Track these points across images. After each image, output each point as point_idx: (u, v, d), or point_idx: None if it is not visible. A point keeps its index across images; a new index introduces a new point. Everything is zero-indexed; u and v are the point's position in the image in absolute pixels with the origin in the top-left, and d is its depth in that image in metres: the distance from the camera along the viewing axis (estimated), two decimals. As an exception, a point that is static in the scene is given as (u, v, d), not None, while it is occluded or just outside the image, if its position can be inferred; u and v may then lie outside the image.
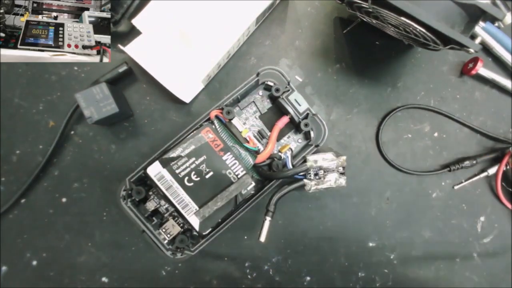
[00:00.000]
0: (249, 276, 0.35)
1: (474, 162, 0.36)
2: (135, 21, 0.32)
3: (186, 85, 0.33)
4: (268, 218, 0.29)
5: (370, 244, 0.36)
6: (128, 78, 0.35)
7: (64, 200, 0.34)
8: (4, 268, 0.34)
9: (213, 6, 0.33)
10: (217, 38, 0.32)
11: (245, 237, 0.35)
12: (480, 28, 0.26)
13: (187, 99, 0.34)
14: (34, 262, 0.34)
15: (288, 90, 0.31)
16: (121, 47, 0.32)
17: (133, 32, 0.33)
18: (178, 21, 0.33)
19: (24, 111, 0.34)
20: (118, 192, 0.29)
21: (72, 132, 0.34)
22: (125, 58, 0.34)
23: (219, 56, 0.33)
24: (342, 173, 0.30)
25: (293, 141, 0.34)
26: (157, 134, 0.35)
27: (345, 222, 0.36)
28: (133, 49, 0.32)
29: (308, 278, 0.36)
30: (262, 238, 0.29)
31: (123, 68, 0.33)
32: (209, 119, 0.31)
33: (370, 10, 0.26)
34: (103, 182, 0.34)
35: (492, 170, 0.36)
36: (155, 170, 0.29)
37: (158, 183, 0.28)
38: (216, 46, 0.32)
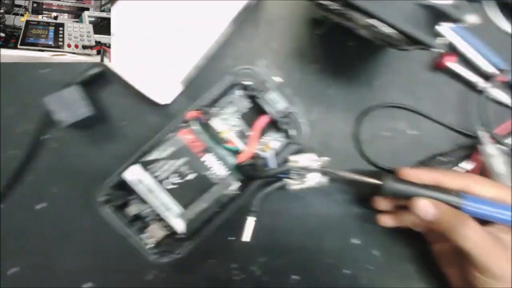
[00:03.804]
0: (236, 277, 0.35)
1: (450, 158, 0.37)
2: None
3: (162, 87, 0.33)
4: (250, 218, 0.29)
5: (355, 242, 0.37)
6: (102, 80, 0.34)
7: (40, 206, 0.34)
8: (-19, 279, 0.33)
9: (189, 8, 0.33)
10: (194, 40, 0.33)
11: (230, 238, 0.35)
12: (447, 28, 0.28)
13: (163, 101, 0.34)
14: (13, 271, 0.33)
15: (265, 90, 0.32)
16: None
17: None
18: (152, 24, 0.33)
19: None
20: (98, 198, 0.29)
21: (47, 136, 0.34)
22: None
23: (196, 57, 0.33)
24: (324, 173, 0.31)
25: (274, 140, 0.34)
26: (134, 136, 0.35)
27: (329, 220, 0.37)
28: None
29: (296, 277, 0.36)
30: (245, 238, 0.29)
31: (96, 70, 0.33)
32: (187, 120, 0.31)
33: (335, 11, 0.28)
34: (81, 186, 0.34)
35: (466, 165, 0.37)
36: (133, 175, 0.28)
37: (137, 188, 0.28)
38: (193, 48, 0.33)
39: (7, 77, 0.34)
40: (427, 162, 0.37)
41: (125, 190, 0.30)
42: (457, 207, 0.28)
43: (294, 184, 0.31)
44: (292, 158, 0.30)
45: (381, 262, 0.37)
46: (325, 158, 0.30)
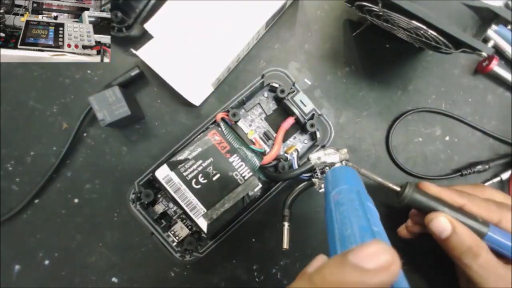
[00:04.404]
0: (256, 279, 0.35)
1: (487, 166, 0.35)
2: (147, 26, 0.33)
3: (196, 88, 0.34)
4: (286, 224, 0.29)
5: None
6: (139, 82, 0.35)
7: (76, 200, 0.35)
8: (17, 267, 0.35)
9: (224, 10, 0.33)
10: (227, 41, 0.33)
11: (253, 240, 0.35)
12: (492, 31, 0.26)
13: (197, 102, 0.34)
14: (47, 262, 0.35)
15: (293, 91, 0.31)
16: (133, 51, 0.33)
17: (145, 36, 0.34)
18: (189, 26, 0.33)
19: (38, 113, 0.35)
20: (128, 195, 0.30)
21: (85, 134, 0.35)
22: (137, 61, 0.34)
23: (228, 59, 0.33)
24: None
25: (299, 142, 0.34)
26: (167, 136, 0.35)
27: (354, 226, 0.36)
28: (145, 53, 0.33)
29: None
30: (285, 245, 0.28)
31: (135, 71, 0.34)
32: (215, 121, 0.31)
33: (380, 13, 0.26)
34: (114, 183, 0.35)
35: (505, 175, 0.35)
36: (163, 173, 0.29)
37: (166, 186, 0.29)
38: (226, 50, 0.33)
39: (53, 77, 0.35)
40: (463, 170, 0.35)
41: (154, 188, 0.31)
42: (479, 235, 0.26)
43: (321, 183, 0.30)
44: (312, 156, 0.30)
45: (405, 271, 0.35)
46: (344, 150, 0.29)
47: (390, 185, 0.29)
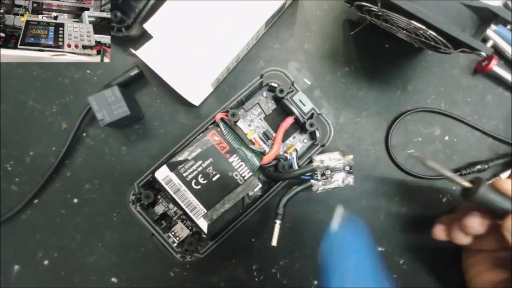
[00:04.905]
0: (256, 279, 0.35)
1: (486, 166, 0.35)
2: (147, 26, 0.32)
3: (195, 88, 0.34)
4: (278, 222, 0.29)
5: (379, 249, 0.36)
6: (139, 82, 0.35)
7: (75, 200, 0.35)
8: (16, 267, 0.35)
9: (223, 10, 0.33)
10: (226, 41, 0.33)
11: (253, 240, 0.35)
12: (491, 31, 0.26)
13: (196, 102, 0.34)
14: (46, 262, 0.35)
15: (292, 91, 0.31)
16: (132, 51, 0.33)
17: (145, 36, 0.34)
18: (188, 26, 0.33)
19: (38, 113, 0.35)
20: (128, 196, 0.30)
21: (84, 134, 0.35)
22: (137, 61, 0.34)
23: (228, 59, 0.33)
24: (349, 172, 0.30)
25: (299, 142, 0.34)
26: (167, 137, 0.35)
27: (354, 226, 0.36)
28: (145, 53, 0.33)
29: (316, 282, 0.36)
30: (274, 242, 0.29)
31: (135, 71, 0.34)
32: (214, 122, 0.31)
33: (380, 13, 0.26)
34: (114, 183, 0.35)
35: (504, 175, 0.36)
36: (163, 174, 0.29)
37: (166, 187, 0.29)
38: (225, 50, 0.33)
39: (53, 77, 0.35)
40: (463, 170, 0.35)
41: (154, 189, 0.31)
42: None
43: (319, 185, 0.30)
44: (316, 158, 0.30)
45: (405, 271, 0.36)
46: (349, 156, 0.29)
47: (460, 180, 0.26)
